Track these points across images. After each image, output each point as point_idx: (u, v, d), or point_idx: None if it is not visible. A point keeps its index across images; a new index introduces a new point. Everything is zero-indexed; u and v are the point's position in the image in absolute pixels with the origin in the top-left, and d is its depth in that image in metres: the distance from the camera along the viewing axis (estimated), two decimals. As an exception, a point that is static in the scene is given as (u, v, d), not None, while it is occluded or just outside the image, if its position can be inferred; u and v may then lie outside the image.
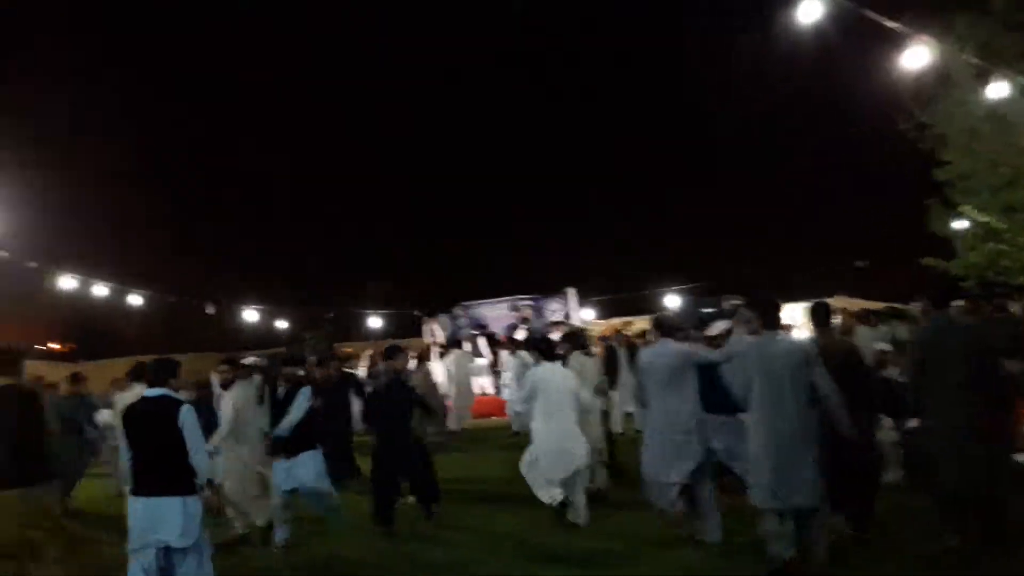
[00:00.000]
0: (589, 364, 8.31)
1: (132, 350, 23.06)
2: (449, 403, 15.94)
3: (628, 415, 12.02)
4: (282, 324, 22.18)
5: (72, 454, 9.07)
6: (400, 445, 7.32)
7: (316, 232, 34.90)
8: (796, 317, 17.70)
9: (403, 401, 7.52)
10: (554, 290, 19.75)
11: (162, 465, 4.79)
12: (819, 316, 6.32)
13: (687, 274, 20.23)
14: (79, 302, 17.86)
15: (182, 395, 5.17)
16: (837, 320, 13.46)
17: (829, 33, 7.90)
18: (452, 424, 15.10)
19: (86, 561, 5.96)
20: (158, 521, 4.69)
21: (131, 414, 5.04)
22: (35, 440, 5.18)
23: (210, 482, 5.07)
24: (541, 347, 7.60)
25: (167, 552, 4.73)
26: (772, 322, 5.40)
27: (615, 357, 12.13)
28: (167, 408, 4.84)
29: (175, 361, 5.27)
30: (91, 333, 30.73)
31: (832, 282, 18.12)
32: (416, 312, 20.55)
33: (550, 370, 7.09)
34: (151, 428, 4.87)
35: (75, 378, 10.01)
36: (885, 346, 9.61)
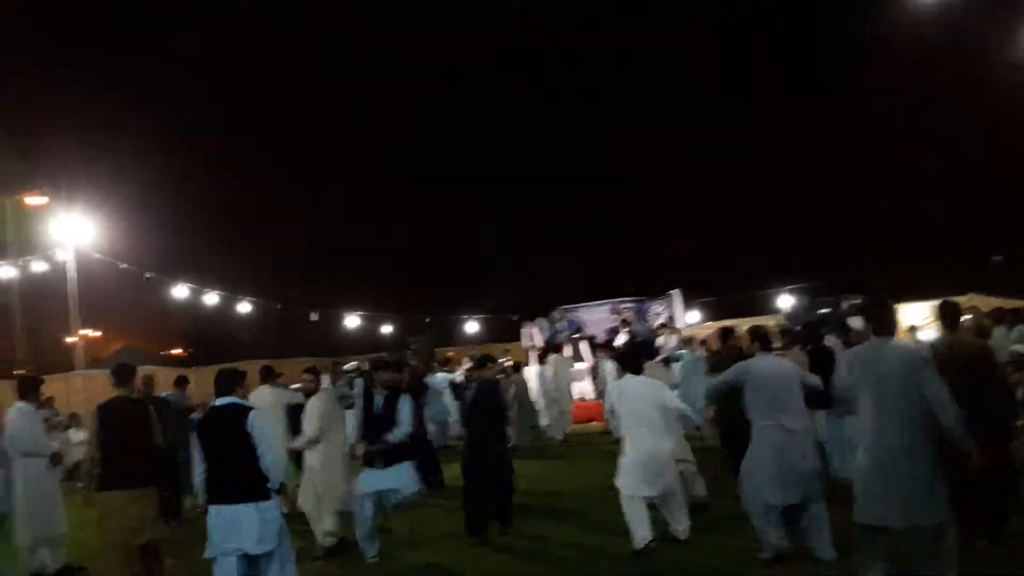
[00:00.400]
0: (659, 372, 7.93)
1: (244, 355, 23.93)
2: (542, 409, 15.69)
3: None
4: (386, 329, 22.51)
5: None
6: (488, 456, 7.11)
7: (418, 237, 35.32)
8: (924, 317, 16.50)
9: (491, 412, 7.33)
10: (658, 292, 19.19)
11: (234, 473, 4.81)
12: (947, 316, 5.77)
13: (803, 273, 19.11)
14: (194, 310, 18.65)
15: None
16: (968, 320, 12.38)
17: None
18: (555, 432, 14.80)
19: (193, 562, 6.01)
20: (234, 528, 4.70)
21: (203, 424, 5.16)
22: (144, 446, 5.62)
23: (282, 486, 5.04)
24: (621, 358, 7.33)
25: (248, 559, 4.74)
26: (883, 327, 4.82)
27: (724, 363, 11.65)
28: (235, 416, 4.87)
29: (240, 371, 5.40)
30: (206, 339, 32.17)
31: (965, 279, 16.72)
32: (514, 317, 20.38)
33: (632, 382, 6.68)
34: (221, 437, 4.91)
35: (178, 382, 10.21)
36: (1023, 348, 8.72)
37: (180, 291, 16.65)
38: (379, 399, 6.91)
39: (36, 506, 6.52)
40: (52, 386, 15.87)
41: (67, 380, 15.33)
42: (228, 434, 4.83)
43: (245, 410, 4.91)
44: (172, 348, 38.47)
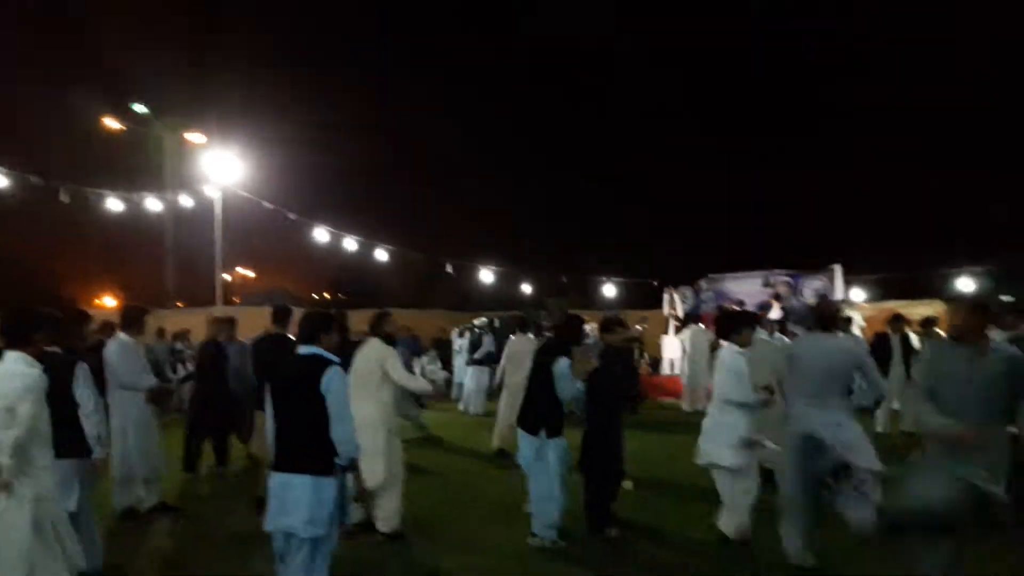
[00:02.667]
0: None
1: (388, 303, 24.40)
2: (682, 382, 14.80)
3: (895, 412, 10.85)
4: (526, 288, 22.14)
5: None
6: (609, 433, 6.19)
7: (562, 196, 34.56)
8: None
9: (610, 386, 6.31)
10: (817, 267, 17.59)
11: (298, 437, 4.14)
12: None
13: (977, 255, 16.79)
14: (339, 256, 18.99)
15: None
16: None
17: None
18: (685, 405, 14.01)
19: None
20: (285, 503, 4.05)
21: (276, 376, 4.41)
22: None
23: (352, 462, 4.25)
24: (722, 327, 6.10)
25: (288, 538, 4.08)
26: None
27: (887, 346, 10.84)
28: (313, 369, 4.14)
29: (329, 314, 4.59)
30: (352, 285, 33.07)
31: None
32: (654, 282, 19.34)
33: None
34: (292, 393, 4.22)
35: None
36: None
37: (321, 235, 16.89)
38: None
39: (132, 440, 6.46)
40: (194, 318, 16.82)
41: (208, 314, 15.82)
42: (302, 391, 4.13)
43: (325, 364, 4.16)
44: (322, 292, 40.16)
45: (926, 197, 25.99)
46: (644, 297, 19.61)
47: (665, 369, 17.20)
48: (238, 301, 30.84)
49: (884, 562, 4.90)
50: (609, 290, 20.77)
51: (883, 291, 17.00)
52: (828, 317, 5.30)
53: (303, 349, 4.31)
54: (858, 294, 17.79)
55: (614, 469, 6.25)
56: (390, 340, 6.39)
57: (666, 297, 17.67)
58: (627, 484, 7.15)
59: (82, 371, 4.76)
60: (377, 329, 6.32)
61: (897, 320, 11.28)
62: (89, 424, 4.70)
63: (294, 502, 4.00)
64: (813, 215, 28.06)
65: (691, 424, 9.50)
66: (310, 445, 4.08)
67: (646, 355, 16.62)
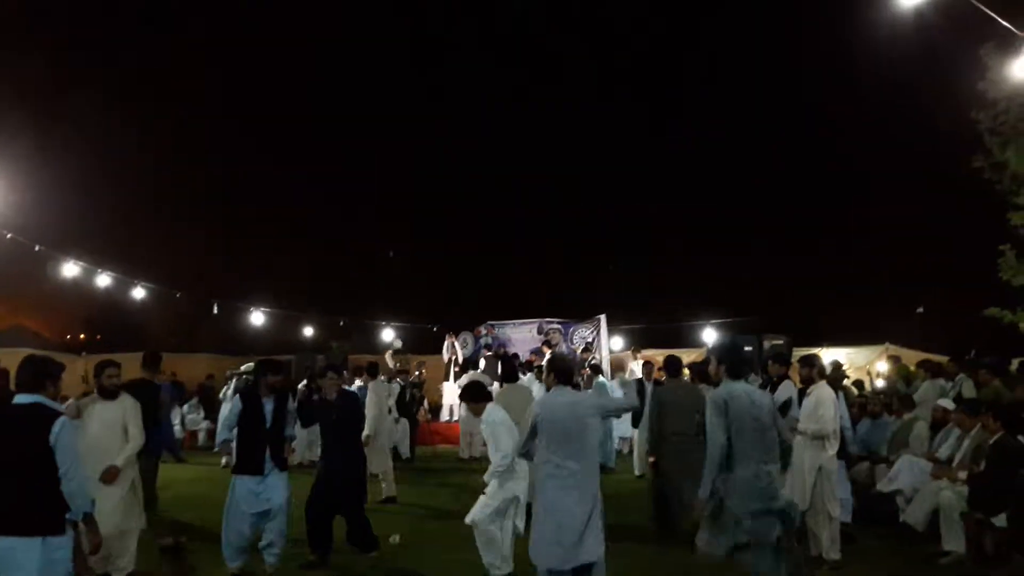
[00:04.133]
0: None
1: (147, 346, 22.53)
2: (457, 427, 15.09)
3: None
4: (300, 330, 21.57)
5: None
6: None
7: (334, 239, 33.86)
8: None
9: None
10: (585, 316, 18.90)
11: (18, 494, 3.76)
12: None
13: (727, 309, 18.97)
14: (93, 294, 17.38)
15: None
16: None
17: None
18: (462, 452, 14.24)
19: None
20: (6, 570, 3.63)
21: None
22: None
23: (87, 517, 3.95)
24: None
25: None
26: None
27: (643, 390, 11.38)
28: (37, 421, 3.84)
29: (56, 362, 4.26)
30: (108, 326, 30.27)
31: (887, 329, 16.73)
32: (434, 328, 19.68)
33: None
34: (9, 445, 3.84)
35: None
36: (948, 403, 8.55)
37: (71, 269, 15.42)
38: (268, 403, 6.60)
39: None
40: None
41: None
42: (19, 443, 3.78)
43: (52, 415, 3.86)
44: (76, 332, 36.39)
45: (677, 254, 28.79)
46: (424, 342, 19.83)
47: (444, 415, 17.44)
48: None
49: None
50: (388, 334, 20.75)
51: (640, 340, 18.53)
52: (565, 371, 5.31)
53: (22, 398, 3.95)
54: (617, 342, 19.22)
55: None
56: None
57: (447, 343, 18.03)
58: (394, 538, 7.31)
59: None
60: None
61: (647, 366, 12.42)
62: None
63: (18, 568, 3.59)
64: (582, 269, 29.96)
65: (468, 470, 9.77)
66: (38, 502, 3.72)
67: (426, 401, 16.74)
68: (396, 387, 13.34)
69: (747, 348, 13.46)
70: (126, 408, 6.37)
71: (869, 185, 24.74)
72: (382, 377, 12.04)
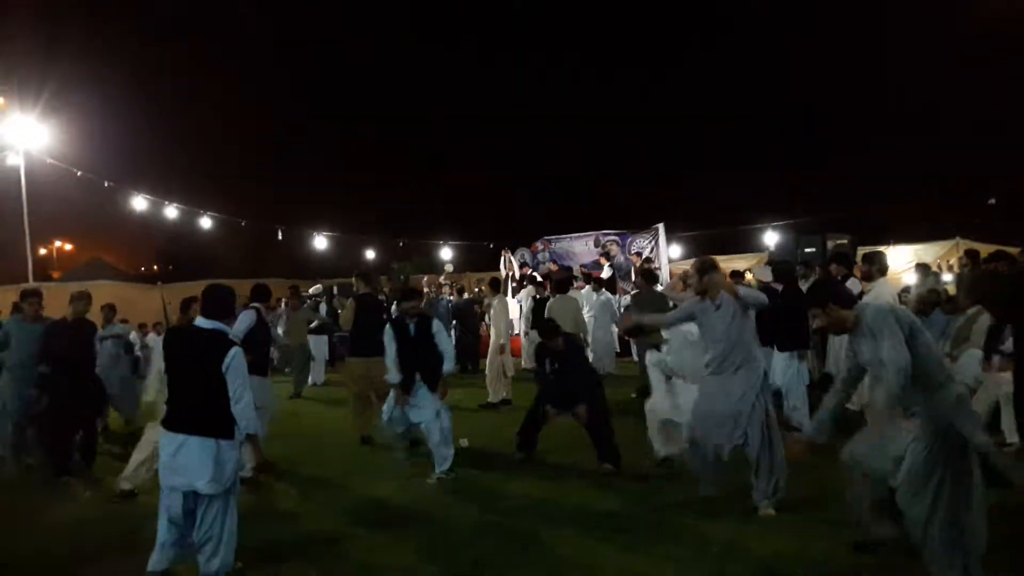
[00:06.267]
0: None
1: (217, 274, 23.33)
2: (519, 340, 15.31)
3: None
4: (368, 254, 21.97)
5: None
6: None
7: (395, 159, 34.06)
8: (908, 260, 16.03)
9: None
10: (644, 225, 18.67)
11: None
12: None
13: (788, 211, 18.53)
14: (164, 225, 17.99)
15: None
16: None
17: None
18: (524, 362, 14.49)
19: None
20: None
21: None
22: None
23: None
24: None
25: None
26: None
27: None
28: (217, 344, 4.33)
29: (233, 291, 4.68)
30: (177, 256, 31.31)
31: (957, 223, 16.15)
32: (490, 244, 19.75)
33: None
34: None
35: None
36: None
37: (140, 203, 15.96)
38: (412, 326, 6.91)
39: None
40: (4, 297, 15.42)
41: (18, 291, 14.62)
42: (201, 362, 4.29)
43: (229, 343, 4.35)
44: (150, 264, 37.80)
45: (738, 161, 28.03)
46: (481, 259, 20.00)
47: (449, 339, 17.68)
48: (57, 276, 28.48)
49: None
50: (446, 253, 20.99)
51: (702, 247, 18.31)
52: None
53: (205, 323, 4.41)
54: (675, 250, 19.02)
55: None
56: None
57: (503, 259, 18.15)
58: (463, 442, 7.58)
59: None
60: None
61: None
62: None
63: (197, 461, 4.19)
64: (640, 178, 29.51)
65: (528, 379, 10.05)
66: (213, 413, 4.25)
67: (486, 316, 17.03)
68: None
69: (809, 249, 13.14)
70: None
71: (930, 75, 23.51)
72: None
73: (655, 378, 6.74)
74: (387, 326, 7.06)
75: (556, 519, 5.44)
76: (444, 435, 6.75)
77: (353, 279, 9.22)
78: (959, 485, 3.72)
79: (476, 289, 16.55)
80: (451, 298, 14.52)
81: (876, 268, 6.89)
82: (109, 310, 9.60)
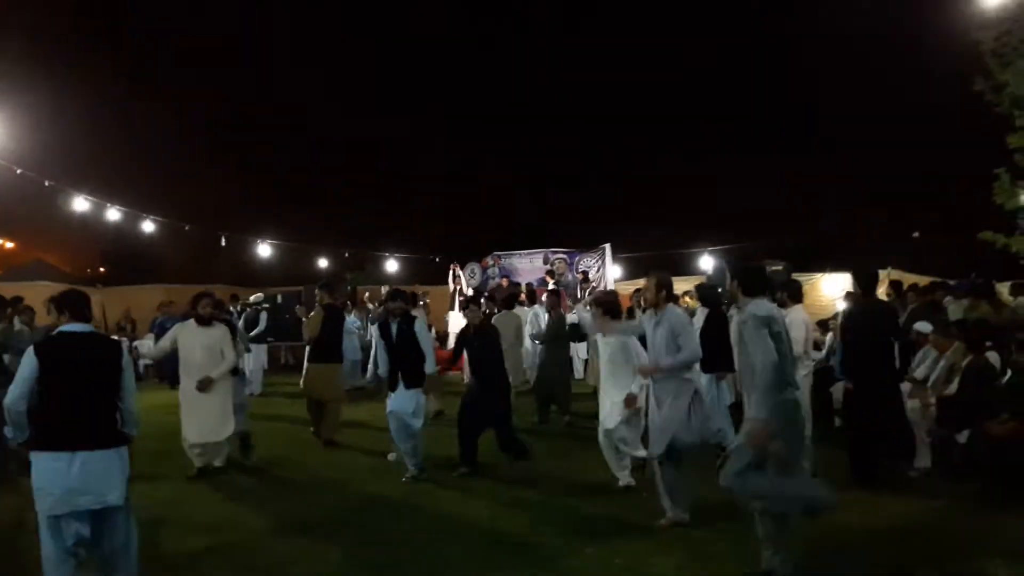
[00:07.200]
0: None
1: (159, 278, 23.01)
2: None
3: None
4: (318, 263, 21.88)
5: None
6: None
7: (347, 168, 33.97)
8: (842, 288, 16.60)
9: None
10: (591, 246, 18.98)
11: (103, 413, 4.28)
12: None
13: (729, 235, 19.06)
14: (106, 228, 17.71)
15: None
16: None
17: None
18: (466, 378, 14.61)
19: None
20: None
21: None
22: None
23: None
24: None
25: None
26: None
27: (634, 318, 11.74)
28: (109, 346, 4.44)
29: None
30: (121, 258, 30.72)
31: (885, 253, 16.81)
32: (436, 259, 19.86)
33: None
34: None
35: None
36: (925, 327, 8.70)
37: (82, 204, 15.74)
38: (395, 327, 7.22)
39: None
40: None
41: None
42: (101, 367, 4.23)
43: (117, 343, 4.46)
44: (95, 266, 37.01)
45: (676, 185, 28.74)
46: (428, 273, 20.10)
47: (450, 343, 17.82)
48: (-1, 273, 27.70)
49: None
50: (392, 265, 21.03)
51: (642, 268, 18.68)
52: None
53: (78, 327, 4.30)
54: (615, 271, 19.36)
55: None
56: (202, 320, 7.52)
57: (451, 273, 18.26)
58: (391, 456, 7.73)
59: None
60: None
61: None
62: None
63: (117, 474, 4.13)
64: (588, 198, 30.02)
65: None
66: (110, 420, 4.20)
67: (433, 330, 17.13)
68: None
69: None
70: (223, 333, 7.60)
71: (866, 109, 24.46)
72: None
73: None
74: (373, 327, 7.37)
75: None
76: (413, 433, 7.14)
77: (318, 290, 9.60)
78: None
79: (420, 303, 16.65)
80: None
81: (786, 295, 7.27)
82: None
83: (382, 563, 4.98)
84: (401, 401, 7.09)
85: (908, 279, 14.58)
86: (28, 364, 4.04)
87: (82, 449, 3.98)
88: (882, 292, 15.78)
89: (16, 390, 4.03)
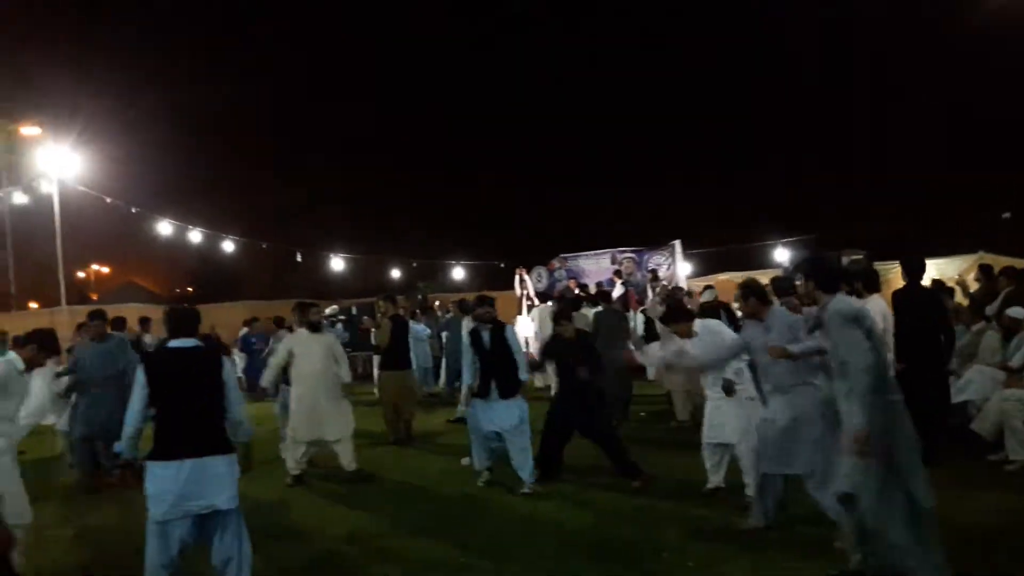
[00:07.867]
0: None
1: (242, 294, 23.77)
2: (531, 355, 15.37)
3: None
4: (388, 274, 22.28)
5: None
6: None
7: (413, 178, 34.53)
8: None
9: None
10: (660, 243, 18.65)
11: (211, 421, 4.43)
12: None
13: (805, 227, 18.47)
14: (192, 249, 18.43)
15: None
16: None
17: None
18: (537, 381, 14.54)
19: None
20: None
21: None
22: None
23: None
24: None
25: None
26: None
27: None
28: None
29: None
30: (208, 278, 31.90)
31: (975, 236, 15.97)
32: (500, 264, 19.84)
33: None
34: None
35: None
36: (1019, 312, 8.23)
37: (165, 228, 16.45)
38: (487, 335, 6.93)
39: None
40: (39, 320, 15.99)
41: (51, 315, 15.22)
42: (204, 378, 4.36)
43: (219, 355, 4.50)
44: (183, 286, 38.62)
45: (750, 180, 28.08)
46: (493, 279, 20.15)
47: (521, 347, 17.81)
48: (95, 298, 29.28)
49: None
50: (458, 273, 21.19)
51: (716, 264, 18.32)
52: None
53: (186, 343, 4.44)
54: (686, 268, 18.96)
55: None
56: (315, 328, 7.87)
57: (518, 277, 18.24)
58: (464, 461, 7.70)
59: None
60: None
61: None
62: None
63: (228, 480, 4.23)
64: (656, 194, 29.65)
65: (541, 399, 10.26)
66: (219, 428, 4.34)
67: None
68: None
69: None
70: (334, 338, 8.13)
71: (950, 85, 23.35)
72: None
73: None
74: (465, 336, 7.24)
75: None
76: (524, 445, 6.82)
77: (381, 302, 10.13)
78: None
79: (439, 313, 16.74)
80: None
81: (863, 284, 7.00)
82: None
83: (459, 564, 5.06)
84: (503, 416, 6.78)
85: (1001, 262, 13.78)
86: (139, 380, 4.27)
87: (190, 457, 4.13)
88: (971, 278, 15.10)
89: (134, 406, 4.28)
